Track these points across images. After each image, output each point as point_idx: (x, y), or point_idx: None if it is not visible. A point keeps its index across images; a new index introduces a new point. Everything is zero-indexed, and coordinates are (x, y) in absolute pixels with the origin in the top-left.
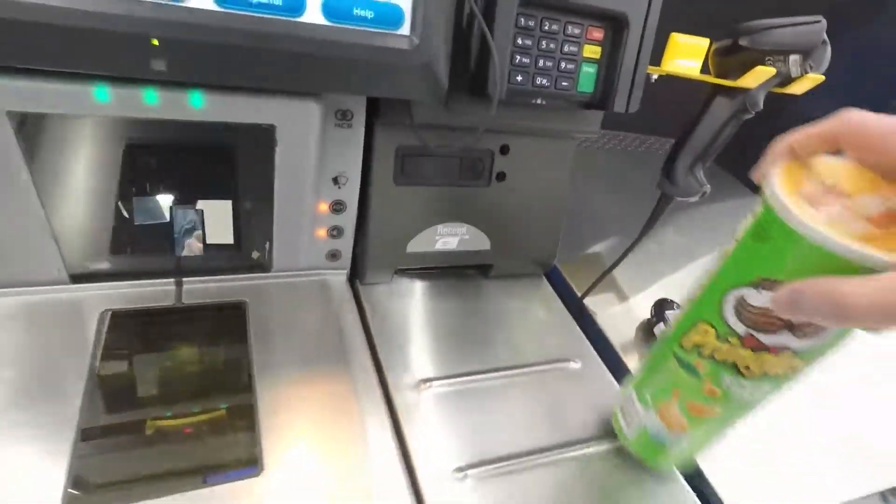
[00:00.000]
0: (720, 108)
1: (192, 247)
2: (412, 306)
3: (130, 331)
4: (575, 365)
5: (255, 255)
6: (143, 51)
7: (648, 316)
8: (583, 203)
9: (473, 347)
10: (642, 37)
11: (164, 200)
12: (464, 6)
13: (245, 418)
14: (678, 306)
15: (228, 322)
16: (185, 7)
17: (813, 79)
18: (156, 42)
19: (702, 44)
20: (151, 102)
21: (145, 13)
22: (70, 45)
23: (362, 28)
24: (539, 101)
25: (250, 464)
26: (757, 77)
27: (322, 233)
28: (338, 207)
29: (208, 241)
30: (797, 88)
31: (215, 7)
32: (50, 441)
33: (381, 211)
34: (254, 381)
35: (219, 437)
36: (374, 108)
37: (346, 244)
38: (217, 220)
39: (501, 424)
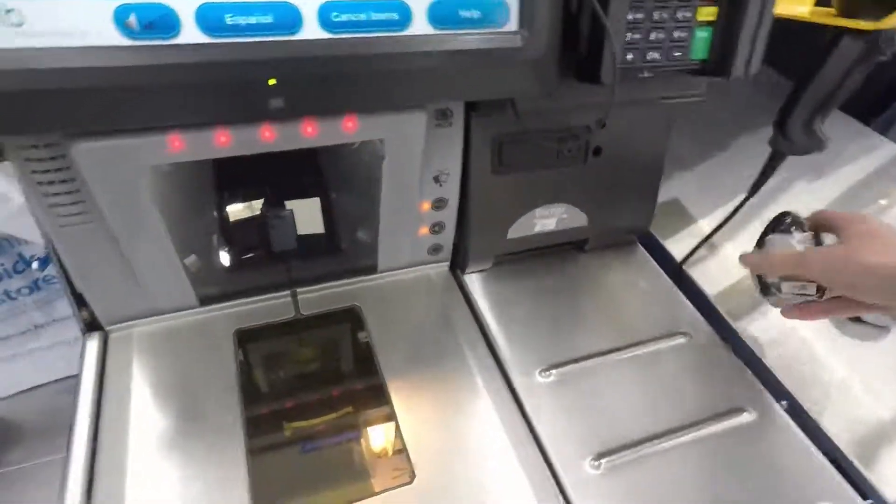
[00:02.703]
0: (846, 52)
1: None
2: (515, 291)
3: (262, 346)
4: (684, 339)
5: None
6: (262, 93)
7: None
8: (679, 160)
9: (583, 328)
10: None
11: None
12: None
13: (385, 421)
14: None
15: (347, 327)
16: (299, 40)
17: None
18: (273, 82)
19: None
20: (269, 138)
21: (263, 54)
22: (195, 101)
23: (469, 31)
24: (646, 75)
25: (401, 471)
26: None
27: (425, 230)
28: (439, 204)
29: (300, 232)
30: None
31: (325, 34)
32: (225, 460)
33: (481, 202)
34: (384, 384)
35: (367, 446)
36: (471, 103)
37: (447, 238)
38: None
39: (626, 408)
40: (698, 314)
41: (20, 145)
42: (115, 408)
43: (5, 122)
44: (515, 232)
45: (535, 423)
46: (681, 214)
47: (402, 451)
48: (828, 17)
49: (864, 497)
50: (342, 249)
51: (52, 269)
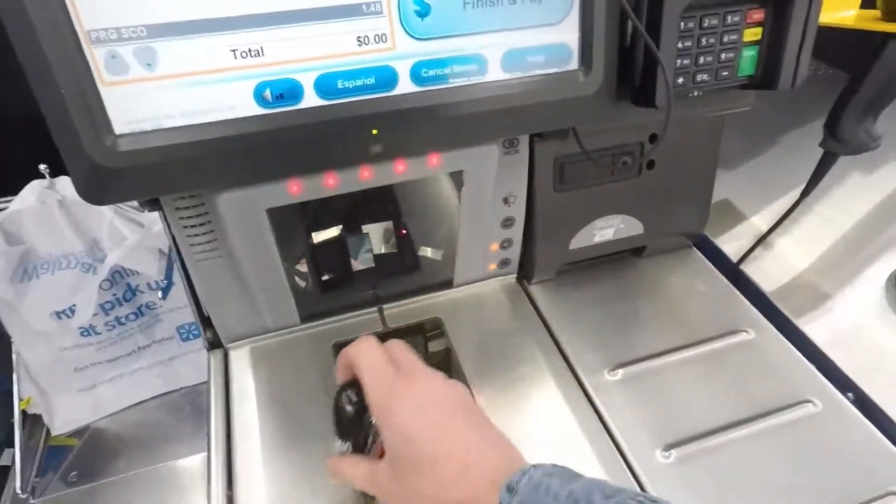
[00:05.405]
0: (893, 56)
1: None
2: (578, 298)
3: None
4: (745, 336)
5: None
6: (366, 140)
7: None
8: (727, 161)
9: (645, 329)
10: (809, 8)
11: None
12: (626, 27)
13: None
14: None
15: (431, 336)
16: (396, 95)
17: None
18: (375, 131)
19: None
20: (367, 177)
21: (368, 109)
22: (313, 152)
23: (537, 73)
24: (697, 94)
25: None
26: None
27: (495, 246)
28: (508, 223)
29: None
30: None
31: (417, 88)
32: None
33: (544, 218)
34: (469, 386)
35: None
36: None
37: (514, 252)
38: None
39: (693, 402)
40: (758, 312)
41: (173, 197)
42: (242, 412)
43: (172, 183)
44: (577, 243)
45: (606, 417)
46: (732, 214)
47: None
48: (873, 22)
49: None
50: (420, 268)
51: (157, 297)
